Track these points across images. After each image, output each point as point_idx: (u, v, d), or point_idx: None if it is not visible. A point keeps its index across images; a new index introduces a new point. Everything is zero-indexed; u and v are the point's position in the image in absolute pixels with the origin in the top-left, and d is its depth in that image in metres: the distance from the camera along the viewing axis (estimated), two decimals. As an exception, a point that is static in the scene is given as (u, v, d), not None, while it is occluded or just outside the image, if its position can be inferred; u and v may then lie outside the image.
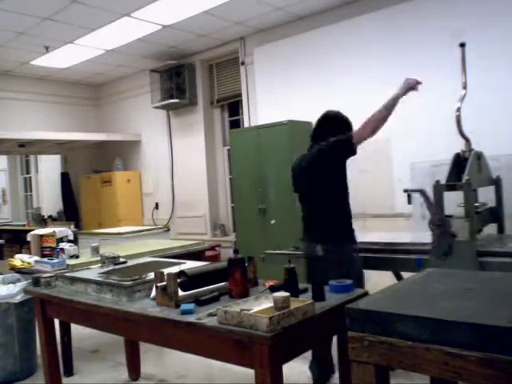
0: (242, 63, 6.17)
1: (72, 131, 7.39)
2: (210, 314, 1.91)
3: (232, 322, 1.77)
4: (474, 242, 2.53)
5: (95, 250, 3.79)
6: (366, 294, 2.08)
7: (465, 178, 2.60)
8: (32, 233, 4.05)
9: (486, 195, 3.09)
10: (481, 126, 3.72)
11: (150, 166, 7.59)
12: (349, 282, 2.18)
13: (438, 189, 2.60)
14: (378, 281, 3.30)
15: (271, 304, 1.83)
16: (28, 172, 10.44)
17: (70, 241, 3.87)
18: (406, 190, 2.78)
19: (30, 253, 4.03)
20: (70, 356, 3.50)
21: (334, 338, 2.10)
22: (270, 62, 5.78)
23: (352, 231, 2.88)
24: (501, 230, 3.11)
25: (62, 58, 6.47)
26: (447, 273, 1.98)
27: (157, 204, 7.50)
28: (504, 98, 4.14)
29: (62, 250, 3.73)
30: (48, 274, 2.81)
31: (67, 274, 2.73)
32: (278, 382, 1.75)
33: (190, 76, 6.66)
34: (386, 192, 4.88)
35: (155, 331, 2.13)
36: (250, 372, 1.76)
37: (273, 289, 2.19)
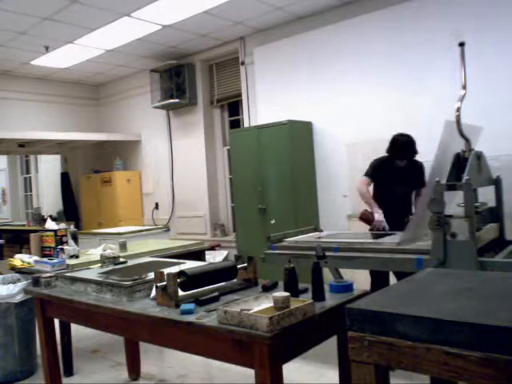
0: (242, 63, 6.17)
1: (72, 131, 7.39)
2: (209, 311, 1.92)
3: (232, 321, 1.77)
4: (473, 241, 2.53)
5: (123, 246, 3.91)
6: (366, 294, 2.08)
7: (465, 178, 2.60)
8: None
9: (485, 195, 3.09)
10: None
11: (149, 166, 7.59)
12: (349, 281, 2.18)
13: (438, 189, 2.60)
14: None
15: (271, 304, 1.83)
16: (28, 172, 10.44)
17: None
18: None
19: (29, 253, 4.03)
20: (70, 356, 3.50)
21: (334, 338, 2.09)
22: (269, 62, 5.78)
23: None
24: (501, 229, 3.11)
25: (62, 58, 6.47)
26: (447, 273, 1.98)
27: (157, 204, 7.49)
28: (503, 98, 4.14)
29: (62, 249, 3.73)
30: (48, 274, 2.81)
31: (67, 274, 2.73)
32: (278, 382, 1.74)
33: (189, 76, 6.66)
34: (385, 192, 4.87)
35: (155, 331, 2.13)
36: (250, 372, 1.76)
37: (265, 288, 2.20)
